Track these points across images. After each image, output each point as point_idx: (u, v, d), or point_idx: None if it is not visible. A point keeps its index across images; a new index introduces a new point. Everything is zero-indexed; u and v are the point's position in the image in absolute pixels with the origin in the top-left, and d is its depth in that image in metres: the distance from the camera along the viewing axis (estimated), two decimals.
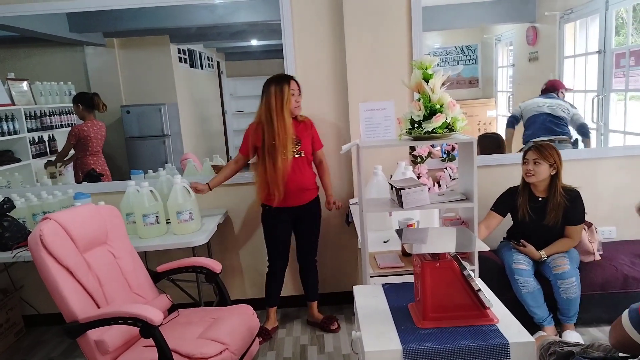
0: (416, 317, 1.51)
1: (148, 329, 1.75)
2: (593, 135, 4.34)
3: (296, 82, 2.69)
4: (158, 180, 2.88)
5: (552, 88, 4.10)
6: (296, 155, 2.68)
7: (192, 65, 5.38)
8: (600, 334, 2.65)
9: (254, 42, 5.38)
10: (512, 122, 4.14)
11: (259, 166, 2.70)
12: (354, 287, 1.79)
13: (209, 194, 2.82)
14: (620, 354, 1.33)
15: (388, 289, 1.76)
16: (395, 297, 1.68)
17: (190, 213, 2.61)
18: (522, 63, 5.49)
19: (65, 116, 4.03)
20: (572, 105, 4.03)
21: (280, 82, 2.63)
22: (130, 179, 2.85)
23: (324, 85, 3.04)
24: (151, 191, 2.60)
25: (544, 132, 3.87)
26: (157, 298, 2.25)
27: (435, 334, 1.41)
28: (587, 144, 3.87)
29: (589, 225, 2.77)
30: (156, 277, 2.35)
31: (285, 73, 3.01)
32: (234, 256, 3.24)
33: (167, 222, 2.69)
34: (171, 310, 2.28)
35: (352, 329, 2.87)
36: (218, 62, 6.17)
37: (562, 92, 4.05)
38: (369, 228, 2.00)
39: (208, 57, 5.85)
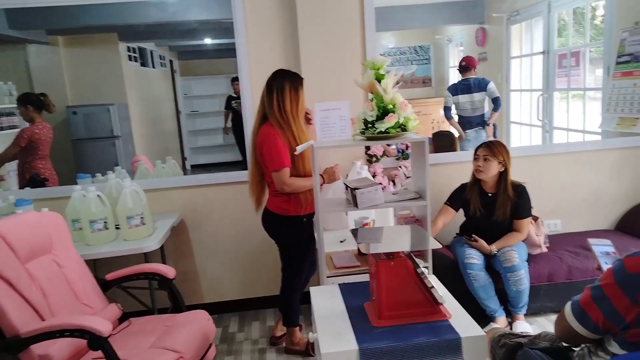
0: (372, 316, 1.52)
1: (96, 341, 1.67)
2: (539, 132, 4.55)
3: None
4: (107, 184, 2.76)
5: (471, 65, 4.33)
6: None
7: (143, 64, 5.21)
8: (548, 323, 2.77)
9: (208, 41, 5.28)
10: (448, 115, 4.40)
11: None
12: (310, 288, 1.78)
13: (162, 197, 2.74)
14: (564, 344, 1.38)
15: (344, 289, 1.76)
16: (351, 297, 1.69)
17: (141, 218, 2.52)
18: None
19: (5, 118, 3.81)
20: (487, 81, 4.33)
21: (294, 81, 2.37)
22: (77, 184, 2.72)
23: None
24: (98, 196, 2.49)
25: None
26: (106, 308, 2.16)
27: (391, 332, 1.43)
28: (493, 118, 4.29)
29: (536, 219, 2.89)
30: (106, 285, 2.26)
31: (236, 72, 2.96)
32: (189, 261, 3.16)
33: (117, 228, 2.58)
34: (122, 319, 2.20)
35: (310, 329, 2.87)
36: (171, 61, 6.01)
37: (476, 69, 4.34)
38: (326, 228, 2.00)
39: (160, 56, 5.69)
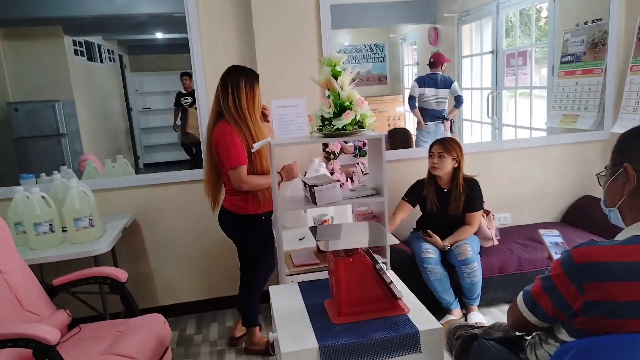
0: (332, 313, 1.52)
1: (43, 350, 1.58)
2: (489, 129, 4.71)
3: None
4: (52, 184, 2.62)
5: (439, 62, 4.56)
6: None
7: (90, 59, 4.97)
8: (500, 313, 2.88)
9: (159, 35, 5.10)
10: (412, 104, 4.61)
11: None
12: (270, 287, 1.76)
13: (113, 197, 2.63)
14: (517, 333, 1.43)
15: (304, 286, 1.75)
16: (311, 295, 1.68)
17: (90, 219, 2.41)
18: (425, 62, 5.77)
19: None
20: (452, 80, 4.59)
21: (250, 77, 2.32)
22: (20, 184, 2.57)
23: None
24: (43, 197, 2.36)
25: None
26: (54, 314, 2.05)
27: (350, 329, 1.43)
28: (452, 114, 4.56)
29: (487, 212, 2.99)
30: (53, 291, 2.15)
31: (191, 68, 2.89)
32: (143, 263, 3.06)
33: (64, 231, 2.46)
34: (72, 326, 2.10)
35: (270, 329, 2.85)
36: (120, 56, 5.78)
37: (444, 66, 4.56)
38: (285, 226, 1.99)
39: (109, 50, 5.44)
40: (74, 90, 4.45)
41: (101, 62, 5.24)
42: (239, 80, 2.29)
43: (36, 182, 2.98)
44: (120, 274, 2.13)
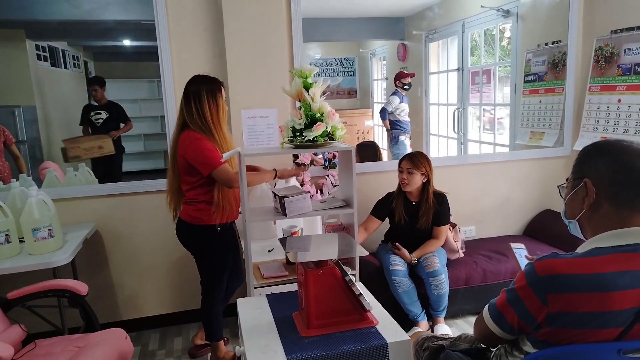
0: (300, 326, 1.51)
1: None
2: (454, 144, 4.83)
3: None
4: (10, 192, 2.51)
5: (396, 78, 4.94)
6: None
7: (54, 64, 4.83)
8: (466, 325, 2.92)
9: (127, 42, 5.01)
10: (384, 115, 4.98)
11: (214, 184, 2.27)
12: (237, 300, 1.73)
13: (74, 207, 2.54)
14: (482, 345, 1.46)
15: (272, 299, 1.73)
16: (279, 307, 1.66)
17: (49, 229, 2.31)
18: (394, 77, 5.89)
19: None
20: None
21: (212, 86, 2.29)
22: None
23: None
24: None
25: None
26: (7, 329, 1.95)
27: (319, 342, 1.42)
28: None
29: (454, 225, 3.05)
30: (7, 305, 2.04)
31: (161, 74, 2.85)
32: (105, 275, 2.95)
33: (21, 241, 2.35)
34: (27, 341, 1.99)
35: (238, 343, 2.79)
36: (86, 62, 5.63)
37: (399, 83, 4.91)
38: (253, 238, 1.96)
39: (74, 56, 5.30)
40: (36, 96, 4.29)
41: (65, 67, 5.08)
42: (199, 91, 2.24)
43: None
44: (80, 287, 2.05)
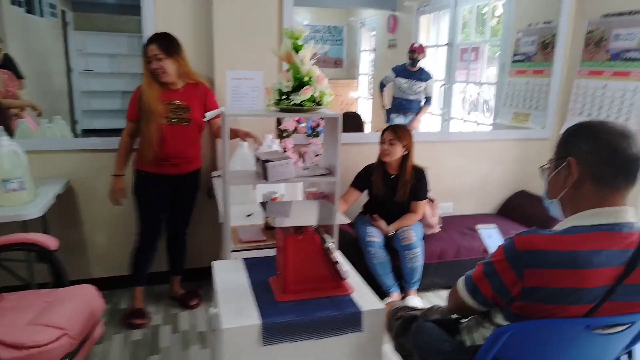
0: (277, 290, 1.50)
1: None
2: (438, 120, 4.83)
3: (162, 45, 2.42)
4: None
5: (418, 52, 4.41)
6: (175, 122, 2.49)
7: (29, 11, 4.58)
8: (436, 298, 2.98)
9: None
10: (382, 89, 4.62)
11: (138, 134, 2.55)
12: (212, 262, 1.72)
13: (47, 160, 2.46)
14: (454, 316, 1.48)
15: (249, 263, 1.72)
16: (256, 272, 1.65)
17: (20, 182, 2.23)
18: (382, 49, 5.82)
19: None
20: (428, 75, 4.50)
21: (146, 42, 2.45)
22: None
23: (188, 49, 2.80)
24: None
25: None
26: None
27: (294, 307, 1.42)
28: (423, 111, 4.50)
29: (432, 201, 3.07)
30: None
31: (143, 29, 2.74)
32: (77, 232, 2.89)
33: None
34: None
35: (210, 306, 2.79)
36: (63, 11, 5.36)
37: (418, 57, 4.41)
38: (232, 201, 1.93)
39: (51, 4, 5.04)
40: (9, 44, 4.08)
41: (42, 15, 4.83)
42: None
43: None
44: (50, 242, 1.99)
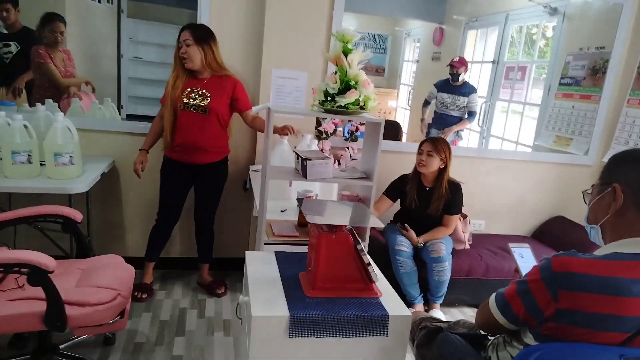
0: (306, 286, 1.53)
1: (38, 276, 1.57)
2: (476, 136, 4.76)
3: (193, 32, 2.50)
4: (35, 115, 2.53)
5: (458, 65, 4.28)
6: (194, 110, 2.55)
7: None
8: (460, 314, 2.95)
9: None
10: (426, 105, 4.54)
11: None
12: (246, 252, 1.76)
13: (95, 139, 2.57)
14: (481, 332, 1.47)
15: (280, 257, 1.76)
16: (287, 266, 1.68)
17: (70, 157, 2.34)
18: (425, 60, 5.79)
19: None
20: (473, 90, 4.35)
21: (182, 28, 2.57)
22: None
23: (238, 43, 2.90)
24: (25, 126, 2.28)
25: None
26: None
27: (323, 303, 1.44)
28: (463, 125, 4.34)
29: (464, 216, 3.04)
30: None
31: (198, 22, 2.83)
32: (116, 211, 3.00)
33: (42, 164, 2.39)
34: None
35: (236, 295, 2.85)
36: None
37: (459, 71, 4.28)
38: (268, 196, 1.97)
39: None
40: (68, 26, 4.27)
41: (99, 2, 5.04)
42: None
43: (17, 111, 2.87)
44: (76, 214, 2.04)
